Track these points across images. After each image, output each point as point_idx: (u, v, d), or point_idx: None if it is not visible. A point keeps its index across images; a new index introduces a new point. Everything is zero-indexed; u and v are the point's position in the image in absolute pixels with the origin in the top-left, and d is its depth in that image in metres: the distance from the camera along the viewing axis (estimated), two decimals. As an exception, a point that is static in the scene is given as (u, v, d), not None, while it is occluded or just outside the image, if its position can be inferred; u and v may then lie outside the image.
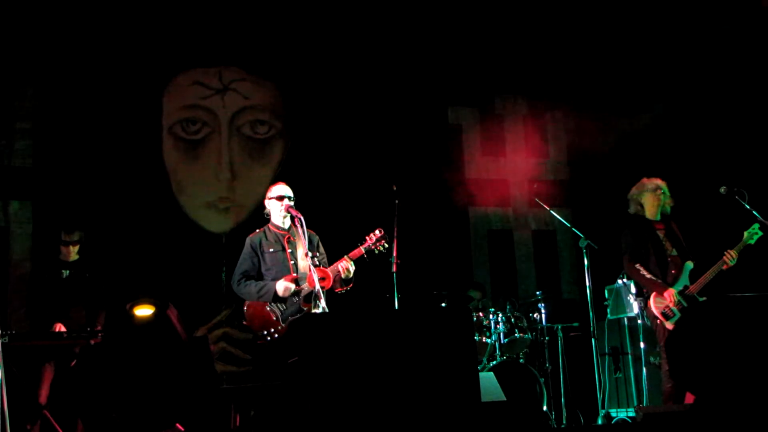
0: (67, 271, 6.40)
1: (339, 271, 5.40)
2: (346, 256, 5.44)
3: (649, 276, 5.89)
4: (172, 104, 8.06)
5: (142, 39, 7.81)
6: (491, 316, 6.96)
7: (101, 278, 6.51)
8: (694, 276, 5.89)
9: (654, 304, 5.83)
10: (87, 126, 7.62)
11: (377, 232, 5.54)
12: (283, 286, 5.29)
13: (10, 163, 7.53)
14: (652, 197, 6.06)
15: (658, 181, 6.11)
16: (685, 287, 5.84)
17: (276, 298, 5.31)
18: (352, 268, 5.40)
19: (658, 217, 6.10)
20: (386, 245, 5.56)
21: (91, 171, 7.55)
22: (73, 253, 6.43)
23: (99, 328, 6.19)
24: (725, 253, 5.81)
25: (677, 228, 6.11)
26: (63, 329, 6.07)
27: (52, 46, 7.62)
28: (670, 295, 5.77)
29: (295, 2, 8.21)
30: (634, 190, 6.17)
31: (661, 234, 6.05)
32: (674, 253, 6.00)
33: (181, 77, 8.11)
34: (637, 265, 5.94)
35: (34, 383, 6.01)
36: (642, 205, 6.12)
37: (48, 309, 6.22)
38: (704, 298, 5.81)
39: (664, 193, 6.07)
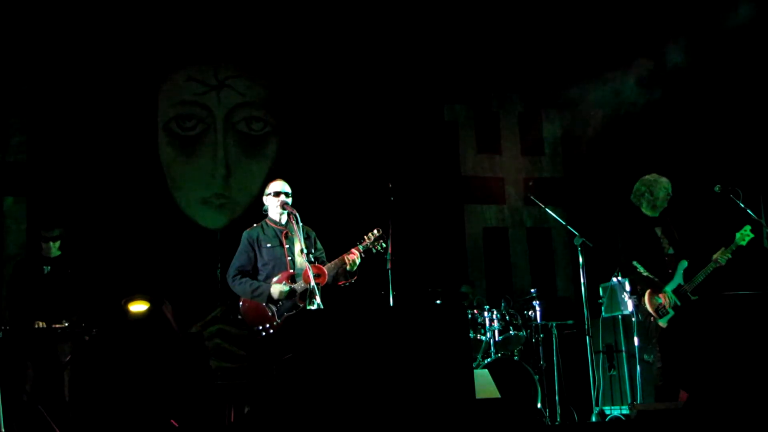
0: (48, 267, 6.36)
1: (345, 262, 5.38)
2: (343, 256, 5.43)
3: (645, 274, 5.89)
4: (168, 101, 8.04)
5: (137, 35, 7.79)
6: (486, 314, 6.96)
7: (84, 274, 6.46)
8: (688, 274, 5.90)
9: (648, 303, 5.83)
10: (82, 122, 7.60)
11: (375, 231, 5.51)
12: (278, 290, 5.28)
13: (4, 159, 7.50)
14: (666, 196, 6.04)
15: (666, 180, 6.10)
16: (679, 286, 5.85)
17: (270, 300, 5.31)
18: (358, 260, 5.38)
19: (657, 214, 6.10)
20: (384, 244, 5.53)
21: (86, 167, 7.53)
22: (53, 248, 6.37)
23: (83, 324, 6.14)
24: (716, 257, 5.82)
25: (673, 225, 6.11)
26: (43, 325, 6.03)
27: (46, 42, 7.58)
28: (665, 294, 5.78)
29: (291, -1, 8.22)
30: (644, 185, 6.05)
31: (659, 231, 6.04)
32: (671, 251, 5.98)
33: (177, 74, 8.09)
34: (634, 263, 5.94)
35: (27, 378, 6.00)
36: (651, 200, 6.03)
37: (28, 304, 6.18)
38: (697, 297, 5.83)
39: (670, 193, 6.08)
